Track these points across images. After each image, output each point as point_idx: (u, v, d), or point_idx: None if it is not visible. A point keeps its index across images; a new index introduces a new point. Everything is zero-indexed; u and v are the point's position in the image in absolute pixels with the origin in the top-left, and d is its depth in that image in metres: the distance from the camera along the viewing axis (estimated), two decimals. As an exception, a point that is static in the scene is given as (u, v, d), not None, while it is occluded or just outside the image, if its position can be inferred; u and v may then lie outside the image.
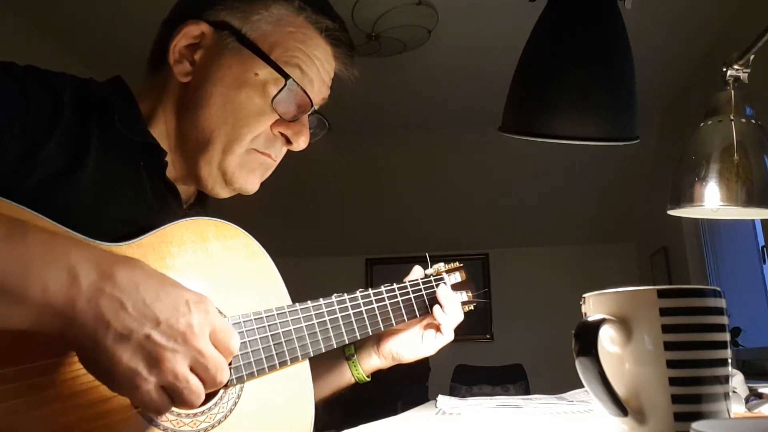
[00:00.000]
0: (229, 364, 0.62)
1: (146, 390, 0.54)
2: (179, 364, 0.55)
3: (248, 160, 0.79)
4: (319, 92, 0.83)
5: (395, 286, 0.96)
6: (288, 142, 0.82)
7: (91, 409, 0.59)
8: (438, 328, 1.00)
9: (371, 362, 1.01)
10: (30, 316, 0.52)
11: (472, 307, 1.10)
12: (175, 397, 0.56)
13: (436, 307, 0.98)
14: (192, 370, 0.57)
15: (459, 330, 1.05)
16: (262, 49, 0.77)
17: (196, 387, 0.57)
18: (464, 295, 1.08)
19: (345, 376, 1.01)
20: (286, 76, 0.77)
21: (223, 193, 0.82)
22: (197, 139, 0.78)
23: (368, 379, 1.02)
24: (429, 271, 1.06)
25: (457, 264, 1.10)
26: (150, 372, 0.54)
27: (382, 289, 0.94)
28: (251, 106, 0.77)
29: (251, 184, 0.81)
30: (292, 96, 0.78)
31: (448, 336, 1.00)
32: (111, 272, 0.54)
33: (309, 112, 0.81)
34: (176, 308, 0.56)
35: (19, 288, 0.51)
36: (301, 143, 0.82)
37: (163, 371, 0.54)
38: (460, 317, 1.02)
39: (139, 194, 0.75)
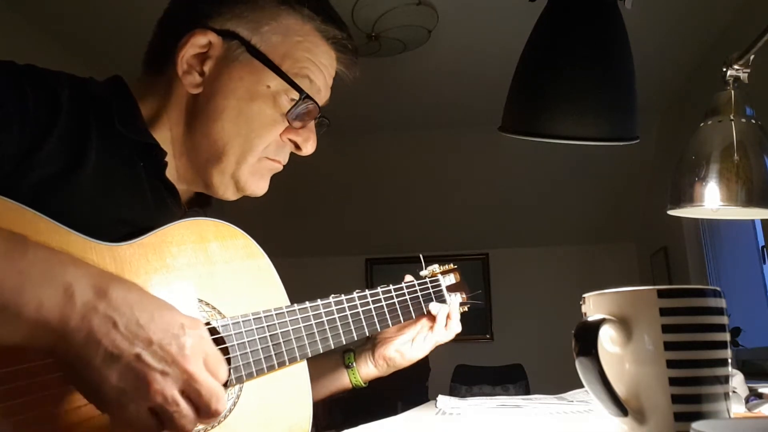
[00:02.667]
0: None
1: (134, 412, 0.53)
2: (168, 387, 0.54)
3: (259, 167, 0.81)
4: (324, 97, 0.85)
5: (391, 287, 0.97)
6: (297, 147, 0.84)
7: (83, 412, 0.58)
8: (431, 328, 1.01)
9: (368, 371, 1.03)
10: (23, 332, 0.51)
11: (466, 309, 1.11)
12: (164, 420, 0.55)
13: (432, 305, 1.00)
14: (184, 394, 0.55)
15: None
16: (274, 62, 0.77)
17: (186, 411, 0.55)
18: (459, 297, 1.09)
19: (343, 382, 1.03)
20: (301, 92, 0.78)
21: (233, 197, 0.84)
22: (209, 150, 0.79)
23: (365, 385, 1.04)
24: (424, 272, 1.06)
25: (451, 266, 1.11)
26: (138, 393, 0.53)
27: (379, 290, 0.95)
28: (264, 117, 0.78)
29: (261, 189, 0.84)
30: (303, 106, 0.80)
31: (438, 337, 1.02)
32: (106, 290, 0.54)
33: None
34: (170, 330, 0.55)
35: (14, 303, 0.50)
36: (309, 148, 0.84)
37: (151, 393, 0.53)
38: (457, 328, 1.04)
39: (138, 194, 0.75)
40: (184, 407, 0.55)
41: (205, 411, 0.57)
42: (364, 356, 1.03)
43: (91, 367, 0.52)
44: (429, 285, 1.03)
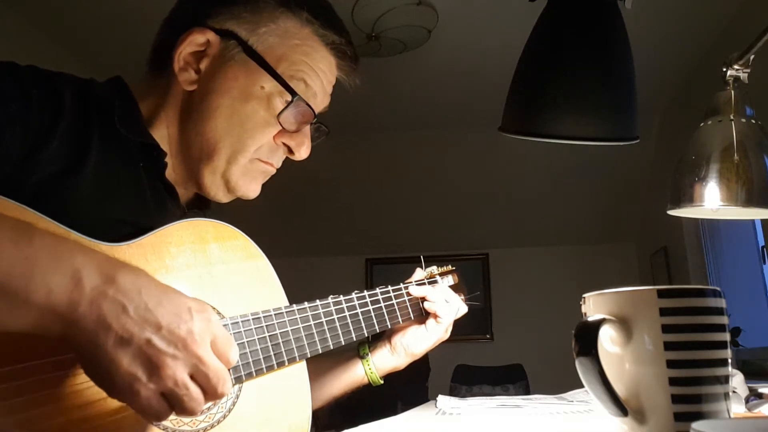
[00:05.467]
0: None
1: (145, 396, 0.53)
2: (179, 371, 0.54)
3: (251, 168, 0.81)
4: (321, 103, 0.84)
5: (390, 287, 0.97)
6: (290, 152, 0.83)
7: (89, 408, 0.59)
8: (435, 317, 1.01)
9: (384, 360, 1.02)
10: (32, 318, 0.51)
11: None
12: (174, 404, 0.55)
13: (426, 303, 1.00)
14: (192, 377, 0.56)
15: (459, 330, 1.05)
16: (269, 63, 0.77)
17: (196, 394, 0.56)
18: (448, 280, 1.09)
19: (358, 375, 1.01)
20: (293, 93, 0.78)
21: (225, 199, 0.83)
22: (201, 149, 0.78)
23: (381, 382, 1.02)
24: (422, 273, 1.06)
25: (449, 267, 1.11)
26: (149, 378, 0.53)
27: (377, 290, 0.95)
28: (257, 118, 0.78)
29: (253, 192, 0.83)
30: (297, 109, 0.79)
31: (447, 319, 1.01)
32: (114, 276, 0.54)
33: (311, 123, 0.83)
34: (178, 314, 0.56)
35: (23, 290, 0.51)
36: (303, 153, 0.83)
37: (162, 377, 0.54)
38: (459, 308, 1.03)
39: (139, 195, 0.75)
40: (194, 390, 0.56)
41: (212, 394, 0.57)
42: (381, 346, 1.02)
43: (103, 352, 0.52)
44: (427, 285, 1.03)
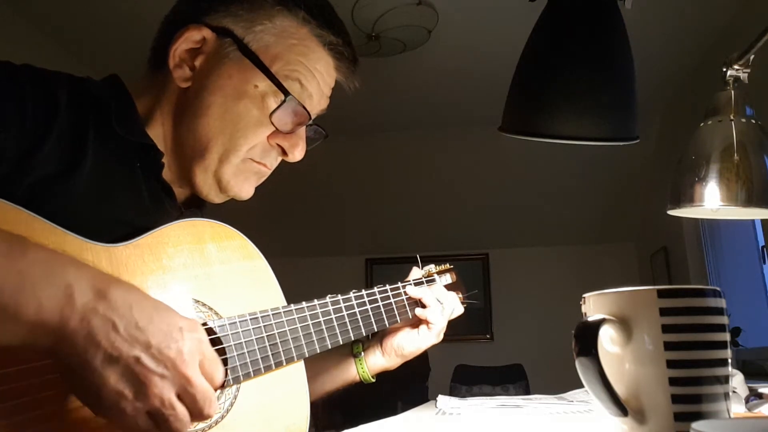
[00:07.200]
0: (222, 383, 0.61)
1: (131, 414, 0.53)
2: (166, 390, 0.54)
3: (243, 168, 0.80)
4: (318, 105, 0.83)
5: (388, 287, 0.97)
6: (284, 153, 0.82)
7: (83, 411, 0.58)
8: (427, 324, 1.00)
9: (376, 361, 1.02)
10: (23, 332, 0.51)
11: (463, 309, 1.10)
12: (160, 423, 0.55)
13: (418, 309, 0.99)
14: (179, 398, 0.56)
15: (459, 330, 1.05)
16: (264, 62, 0.76)
17: (182, 415, 0.55)
18: (444, 279, 1.09)
19: (351, 373, 1.02)
20: (286, 93, 0.76)
21: (217, 199, 0.82)
22: (194, 147, 0.78)
23: (373, 380, 1.03)
24: (420, 272, 1.06)
25: (447, 266, 1.11)
26: (136, 396, 0.53)
27: (375, 290, 0.95)
28: (249, 117, 0.77)
29: (246, 192, 0.82)
30: (291, 110, 0.78)
31: (439, 326, 1.00)
32: (106, 292, 0.54)
33: (306, 124, 0.81)
34: (169, 333, 0.55)
35: (14, 304, 0.50)
36: (297, 155, 0.82)
37: (149, 396, 0.53)
38: (454, 308, 1.03)
39: (136, 195, 0.75)
40: (181, 410, 0.55)
41: (197, 414, 0.57)
42: (373, 346, 1.03)
43: (91, 369, 0.52)
44: (425, 285, 1.03)
